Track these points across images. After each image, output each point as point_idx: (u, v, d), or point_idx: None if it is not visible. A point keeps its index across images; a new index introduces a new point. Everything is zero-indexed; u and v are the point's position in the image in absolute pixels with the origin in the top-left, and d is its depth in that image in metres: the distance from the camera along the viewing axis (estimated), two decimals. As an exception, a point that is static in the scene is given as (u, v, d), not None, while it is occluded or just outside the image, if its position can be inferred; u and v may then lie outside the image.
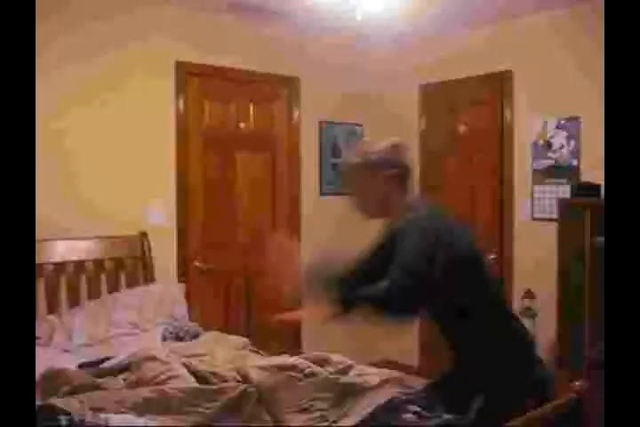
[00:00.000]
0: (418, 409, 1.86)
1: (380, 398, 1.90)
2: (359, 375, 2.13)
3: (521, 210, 3.86)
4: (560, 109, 3.65)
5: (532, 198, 3.80)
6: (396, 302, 1.81)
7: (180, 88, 3.58)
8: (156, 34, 3.45)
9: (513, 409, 1.70)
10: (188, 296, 3.37)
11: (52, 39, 3.03)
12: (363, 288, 1.87)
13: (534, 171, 3.79)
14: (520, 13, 3.72)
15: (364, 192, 2.06)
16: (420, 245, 1.85)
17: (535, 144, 3.78)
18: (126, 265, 3.29)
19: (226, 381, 1.99)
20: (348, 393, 1.97)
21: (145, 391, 1.88)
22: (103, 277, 3.21)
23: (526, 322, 3.49)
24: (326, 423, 1.85)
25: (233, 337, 2.73)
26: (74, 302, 3.07)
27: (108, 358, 2.45)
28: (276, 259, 2.03)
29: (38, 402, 1.79)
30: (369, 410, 1.85)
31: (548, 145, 3.72)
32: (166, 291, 3.23)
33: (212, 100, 3.78)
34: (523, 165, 3.85)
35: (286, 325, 2.79)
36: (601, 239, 2.94)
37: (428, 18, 3.82)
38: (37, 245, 2.83)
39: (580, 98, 3.53)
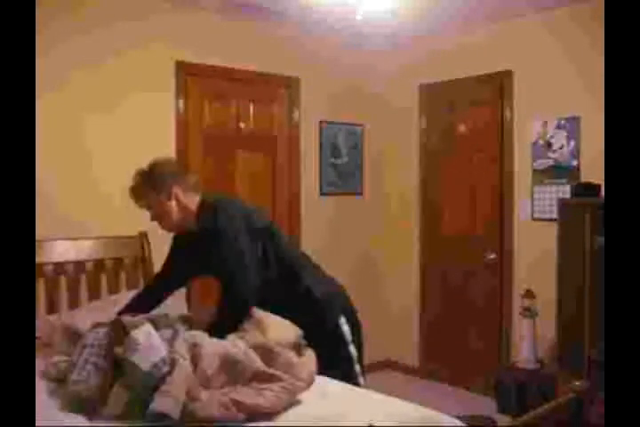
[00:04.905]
0: None
1: None
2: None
3: (521, 210, 3.86)
4: (560, 109, 3.65)
5: (532, 198, 3.80)
6: (244, 312, 2.17)
7: (180, 88, 3.58)
8: (156, 34, 3.45)
9: None
10: (187, 297, 3.37)
11: (53, 43, 3.04)
12: (219, 322, 2.17)
13: (534, 171, 3.79)
14: (520, 13, 3.72)
15: (157, 211, 2.38)
16: (238, 247, 2.19)
17: (535, 144, 3.79)
18: (126, 265, 3.28)
19: None
20: None
21: None
22: (103, 277, 3.21)
23: (526, 322, 3.52)
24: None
25: None
26: (74, 302, 3.07)
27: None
28: None
29: None
30: None
31: (548, 145, 3.72)
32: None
33: (212, 100, 3.77)
34: (523, 165, 3.85)
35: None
36: (601, 239, 2.95)
37: (428, 18, 3.83)
38: (37, 245, 2.83)
39: (580, 98, 3.54)
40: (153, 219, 2.42)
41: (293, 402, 1.88)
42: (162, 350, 1.85)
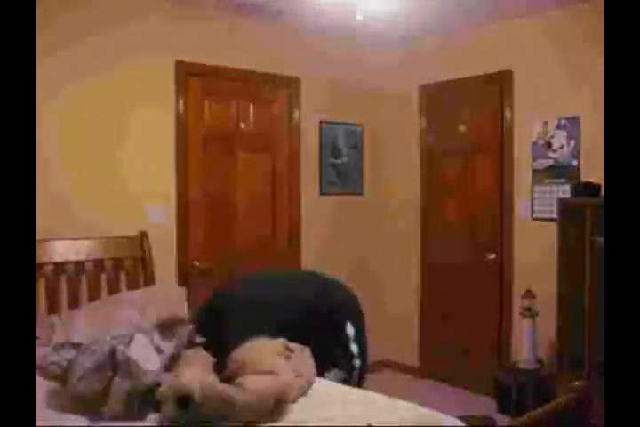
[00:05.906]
0: None
1: None
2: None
3: (521, 210, 3.86)
4: (560, 109, 3.65)
5: (532, 198, 3.80)
6: None
7: (180, 88, 3.58)
8: (155, 34, 3.45)
9: None
10: (188, 297, 3.37)
11: (53, 45, 3.05)
12: None
13: (534, 171, 3.79)
14: (520, 13, 3.72)
15: None
16: None
17: (535, 144, 3.79)
18: (126, 265, 3.28)
19: None
20: None
21: None
22: (103, 277, 3.21)
23: (526, 322, 3.51)
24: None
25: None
26: (74, 302, 3.07)
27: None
28: None
29: None
30: None
31: (548, 145, 3.72)
32: (168, 292, 3.23)
33: (212, 100, 3.77)
34: (523, 165, 3.85)
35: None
36: (601, 239, 2.95)
37: (428, 18, 3.83)
38: (37, 245, 2.83)
39: (580, 98, 3.54)
40: None
41: (287, 393, 1.89)
42: (160, 368, 1.89)
